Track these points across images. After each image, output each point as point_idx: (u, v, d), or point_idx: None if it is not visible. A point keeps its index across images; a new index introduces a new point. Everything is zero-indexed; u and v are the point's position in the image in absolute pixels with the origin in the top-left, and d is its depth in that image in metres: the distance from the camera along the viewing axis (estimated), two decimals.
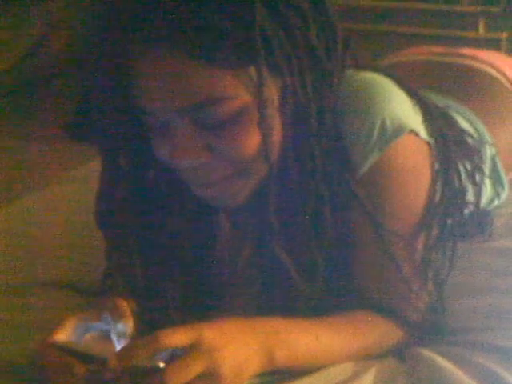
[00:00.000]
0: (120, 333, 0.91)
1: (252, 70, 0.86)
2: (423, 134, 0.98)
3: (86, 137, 2.29)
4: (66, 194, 1.63)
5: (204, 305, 1.04)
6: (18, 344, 1.04)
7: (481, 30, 2.89)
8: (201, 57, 0.83)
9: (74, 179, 1.71)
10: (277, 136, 0.90)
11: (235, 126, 0.88)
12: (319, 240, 0.95)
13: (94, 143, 0.97)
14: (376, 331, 0.99)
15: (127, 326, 0.92)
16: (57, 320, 0.92)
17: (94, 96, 0.92)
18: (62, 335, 0.90)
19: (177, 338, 0.82)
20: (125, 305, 0.94)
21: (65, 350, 0.87)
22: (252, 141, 0.88)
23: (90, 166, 1.71)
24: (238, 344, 0.86)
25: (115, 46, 0.86)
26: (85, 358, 0.85)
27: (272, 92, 0.88)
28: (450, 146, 1.01)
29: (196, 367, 0.81)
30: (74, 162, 2.01)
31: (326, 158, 0.93)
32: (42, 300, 1.17)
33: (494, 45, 2.64)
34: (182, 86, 0.85)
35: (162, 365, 0.81)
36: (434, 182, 0.99)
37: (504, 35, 2.81)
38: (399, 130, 0.95)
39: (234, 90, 0.86)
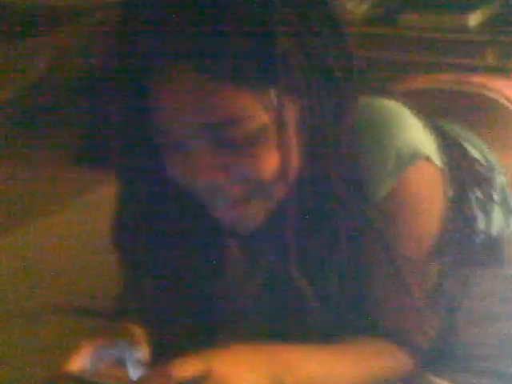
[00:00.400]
0: (135, 360, 0.91)
1: (271, 92, 0.86)
2: (437, 161, 0.98)
3: (97, 162, 2.30)
4: (75, 219, 1.63)
5: (215, 331, 1.04)
6: (31, 370, 1.04)
7: (489, 58, 2.90)
8: (222, 77, 0.83)
9: (82, 205, 1.72)
10: (294, 158, 0.90)
11: (253, 146, 0.87)
12: (334, 265, 0.95)
13: (106, 168, 0.97)
14: (386, 358, 0.99)
15: (142, 352, 0.92)
16: (69, 346, 0.93)
17: (111, 118, 0.92)
18: (77, 363, 0.90)
19: (189, 368, 0.83)
20: (139, 331, 0.94)
21: (78, 381, 0.87)
22: (269, 162, 0.88)
23: (99, 192, 1.72)
24: (247, 374, 0.86)
25: (139, 66, 0.86)
26: None
27: (290, 114, 0.88)
28: (462, 173, 1.02)
29: None
30: (81, 188, 2.02)
31: (342, 183, 0.93)
32: (55, 326, 1.17)
33: (503, 73, 2.64)
34: (203, 105, 0.85)
35: None
36: (447, 209, 0.99)
37: None
38: (415, 156, 0.95)
39: (254, 111, 0.86)
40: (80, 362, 0.91)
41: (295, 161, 0.90)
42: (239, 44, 0.82)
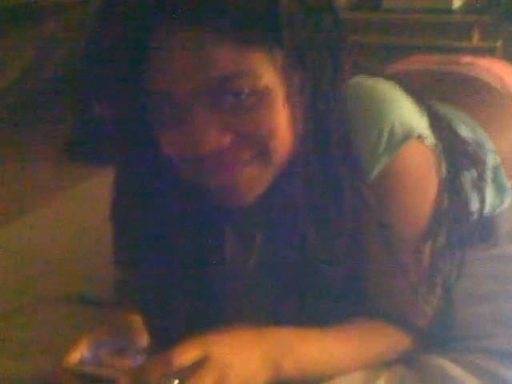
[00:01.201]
0: (135, 348, 0.91)
1: (277, 53, 0.86)
2: (430, 140, 0.99)
3: (87, 154, 2.30)
4: (67, 211, 1.63)
5: (213, 315, 1.04)
6: (29, 363, 1.04)
7: (475, 39, 2.90)
8: (228, 35, 0.83)
9: (73, 197, 1.71)
10: (296, 125, 0.90)
11: (256, 107, 0.87)
12: (333, 243, 0.96)
13: (96, 159, 0.97)
14: (385, 339, 1.00)
15: (141, 340, 0.93)
16: (68, 337, 0.93)
17: (106, 103, 0.92)
18: (77, 354, 0.91)
19: (188, 354, 0.84)
20: (137, 319, 0.94)
21: (78, 374, 0.87)
22: (274, 122, 0.88)
23: (88, 184, 1.72)
24: (245, 357, 0.87)
25: (140, 31, 0.85)
26: (98, 380, 0.86)
27: (294, 78, 0.88)
28: (454, 153, 1.02)
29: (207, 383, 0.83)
30: (71, 181, 2.02)
31: (337, 158, 0.93)
32: (53, 316, 1.16)
33: (488, 54, 2.65)
34: (208, 62, 0.84)
35: (176, 382, 0.83)
36: (441, 188, 1.00)
37: (499, 44, 2.83)
38: (408, 134, 0.95)
39: (259, 68, 0.86)
40: (80, 352, 0.91)
41: (297, 127, 0.90)
42: (246, 3, 0.83)
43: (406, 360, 1.00)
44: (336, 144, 0.93)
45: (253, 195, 0.93)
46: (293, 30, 0.86)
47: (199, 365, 0.84)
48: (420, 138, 0.97)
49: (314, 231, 0.95)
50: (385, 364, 0.99)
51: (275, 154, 0.90)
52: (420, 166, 0.98)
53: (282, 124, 0.88)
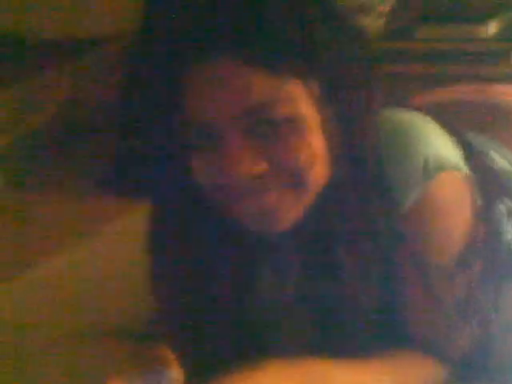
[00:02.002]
0: (171, 382, 0.91)
1: (312, 82, 0.88)
2: (464, 170, 0.99)
3: (123, 189, 2.31)
4: (103, 247, 1.64)
5: (249, 346, 1.04)
6: None
7: (508, 67, 2.88)
8: (263, 66, 0.85)
9: (109, 233, 1.73)
10: (324, 155, 0.91)
11: (291, 135, 0.88)
12: (365, 276, 0.96)
13: (132, 194, 0.98)
14: (420, 371, 0.99)
15: (177, 374, 0.93)
16: (107, 371, 0.93)
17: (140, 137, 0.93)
18: None
19: None
20: (170, 353, 0.95)
21: None
22: (307, 151, 0.89)
23: (126, 218, 1.73)
24: None
25: (177, 64, 0.87)
26: None
27: (328, 110, 0.90)
28: (489, 183, 1.02)
29: None
30: (107, 217, 2.03)
31: (371, 190, 0.93)
32: (91, 350, 1.17)
33: None
34: (241, 91, 0.86)
35: None
36: (474, 218, 0.99)
37: None
38: (442, 166, 0.96)
39: (294, 98, 0.87)
40: None
41: (331, 157, 0.92)
42: (280, 33, 0.85)
43: None
44: (369, 174, 0.93)
45: (287, 221, 0.93)
46: (326, 62, 0.88)
47: None
48: (454, 169, 0.97)
49: (350, 260, 0.95)
50: None
51: (309, 182, 0.91)
52: (453, 196, 0.99)
53: (316, 153, 0.90)
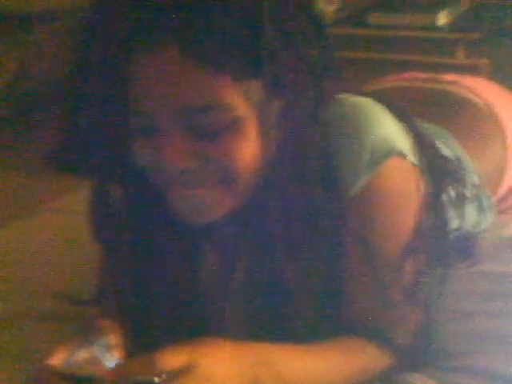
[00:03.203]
0: (107, 350, 0.92)
1: (254, 84, 0.87)
2: (412, 157, 0.99)
3: (70, 167, 2.29)
4: (49, 224, 1.62)
5: (195, 327, 1.04)
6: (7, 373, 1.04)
7: (460, 56, 2.92)
8: (207, 62, 0.84)
9: (57, 209, 1.71)
10: (268, 152, 0.91)
11: (228, 137, 0.88)
12: (311, 263, 0.96)
13: (78, 172, 0.97)
14: (365, 356, 1.00)
15: (112, 341, 0.93)
16: (46, 350, 0.92)
17: (87, 117, 0.92)
18: (55, 362, 0.90)
19: (173, 360, 0.84)
20: (107, 323, 0.95)
21: (61, 374, 0.87)
22: (243, 153, 0.89)
23: (70, 197, 1.72)
24: (228, 370, 0.88)
25: (121, 50, 0.85)
26: (81, 380, 0.86)
27: (269, 108, 0.89)
28: (435, 171, 1.02)
29: None
30: (54, 193, 2.01)
31: (316, 180, 0.93)
32: (31, 331, 1.16)
33: (474, 72, 2.66)
34: (185, 88, 0.85)
35: (156, 380, 0.83)
36: (421, 205, 1.00)
37: (484, 62, 2.84)
38: (389, 151, 0.96)
39: (233, 101, 0.86)
40: (58, 360, 0.90)
41: (268, 155, 0.91)
42: (227, 30, 0.83)
43: (385, 378, 1.00)
44: (314, 161, 0.93)
45: (214, 215, 0.94)
46: (275, 62, 0.86)
47: (183, 372, 0.84)
48: (401, 155, 0.97)
49: (293, 249, 0.95)
50: (363, 382, 0.98)
51: (239, 181, 0.91)
52: (401, 183, 0.99)
53: (250, 153, 0.89)
